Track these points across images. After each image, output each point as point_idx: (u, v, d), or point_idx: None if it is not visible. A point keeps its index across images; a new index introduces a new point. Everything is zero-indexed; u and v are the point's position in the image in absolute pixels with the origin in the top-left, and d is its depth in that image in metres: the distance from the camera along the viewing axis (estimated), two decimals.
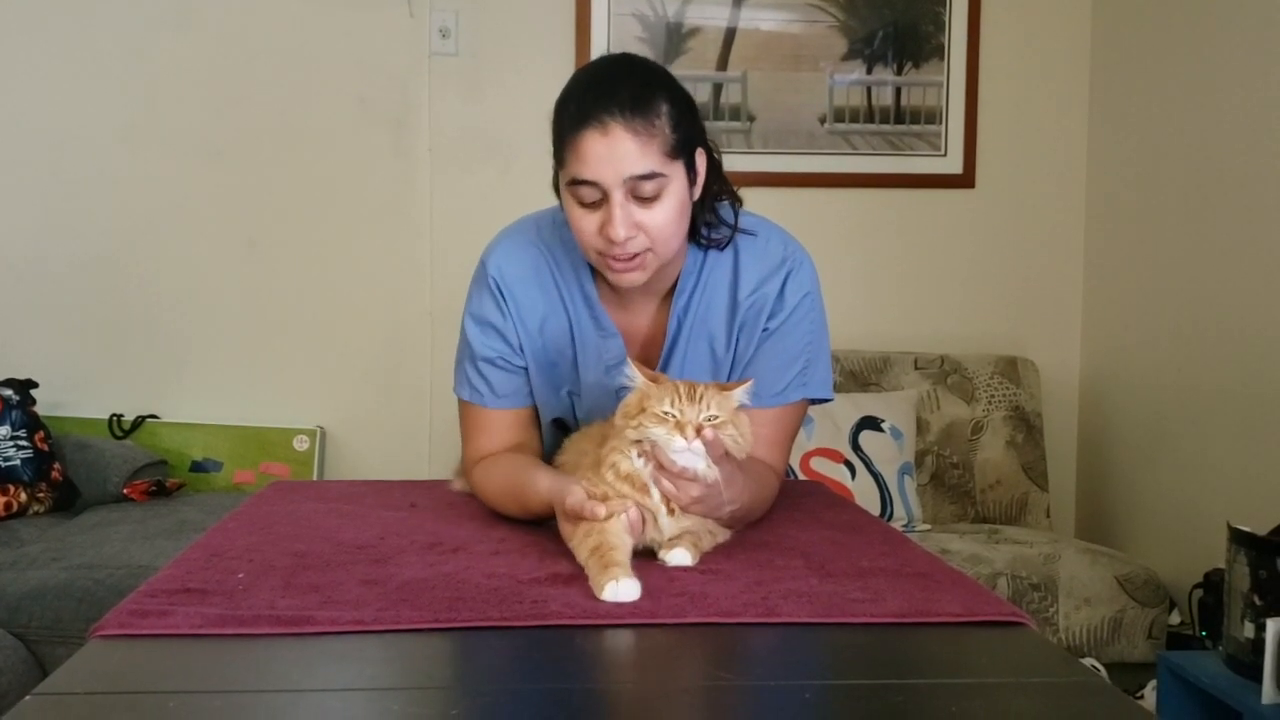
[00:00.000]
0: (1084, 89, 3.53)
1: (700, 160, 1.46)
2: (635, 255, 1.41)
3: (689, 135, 1.42)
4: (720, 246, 1.53)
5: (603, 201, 1.39)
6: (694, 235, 1.51)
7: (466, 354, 1.60)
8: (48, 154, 3.37)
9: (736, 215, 1.54)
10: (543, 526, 1.41)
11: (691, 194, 1.45)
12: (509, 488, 1.48)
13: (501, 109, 3.39)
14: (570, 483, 1.31)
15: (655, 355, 1.58)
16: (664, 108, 1.38)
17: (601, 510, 1.24)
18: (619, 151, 1.35)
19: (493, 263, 1.57)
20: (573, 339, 1.57)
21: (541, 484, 1.40)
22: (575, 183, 1.39)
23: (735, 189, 1.55)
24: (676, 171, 1.41)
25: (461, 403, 1.62)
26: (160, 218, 3.40)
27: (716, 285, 1.55)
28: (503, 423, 1.59)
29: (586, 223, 1.41)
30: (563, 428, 1.66)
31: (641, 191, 1.38)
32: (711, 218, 1.52)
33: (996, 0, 3.49)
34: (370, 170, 3.42)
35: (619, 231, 1.38)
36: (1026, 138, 3.54)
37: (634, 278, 1.45)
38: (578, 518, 1.26)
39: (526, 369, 1.58)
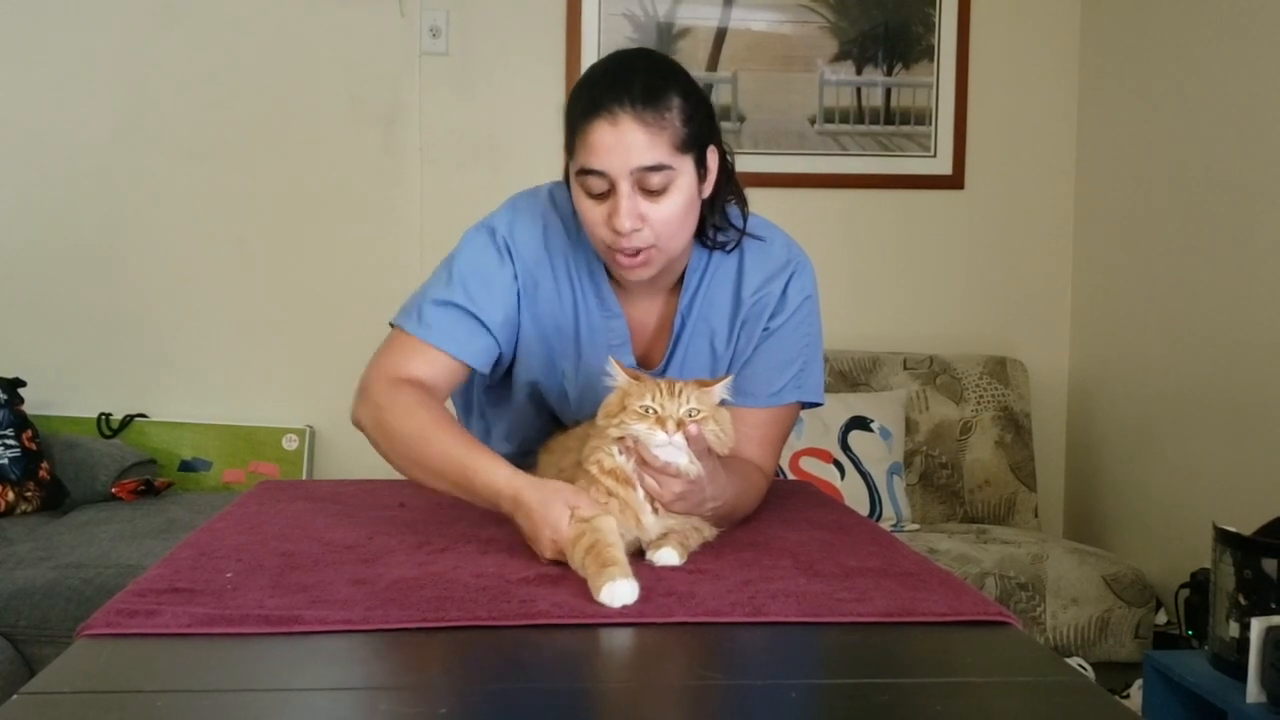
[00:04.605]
0: (1073, 90, 3.55)
1: (712, 158, 1.46)
2: (640, 251, 1.41)
3: (701, 131, 1.42)
4: (727, 249, 1.54)
5: (610, 193, 1.39)
6: (701, 235, 1.51)
7: (431, 293, 1.53)
8: (36, 153, 3.36)
9: (745, 220, 1.54)
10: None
11: (701, 191, 1.45)
12: (439, 438, 1.38)
13: (492, 108, 3.38)
14: (534, 483, 1.29)
15: (660, 349, 1.58)
16: (676, 101, 1.38)
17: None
18: (627, 142, 1.35)
19: (502, 222, 1.54)
20: (576, 315, 1.56)
21: (497, 472, 1.31)
22: (583, 172, 1.39)
23: (744, 193, 1.54)
24: (685, 166, 1.40)
25: (396, 331, 1.53)
26: (149, 216, 3.39)
27: (721, 282, 1.56)
28: (440, 365, 1.49)
29: (594, 214, 1.41)
30: (551, 415, 1.65)
31: (649, 184, 1.38)
32: (720, 220, 1.52)
33: (986, 2, 3.51)
34: (360, 169, 3.41)
35: (624, 222, 1.37)
36: (1016, 139, 3.56)
37: (639, 274, 1.45)
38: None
39: (494, 338, 1.52)
